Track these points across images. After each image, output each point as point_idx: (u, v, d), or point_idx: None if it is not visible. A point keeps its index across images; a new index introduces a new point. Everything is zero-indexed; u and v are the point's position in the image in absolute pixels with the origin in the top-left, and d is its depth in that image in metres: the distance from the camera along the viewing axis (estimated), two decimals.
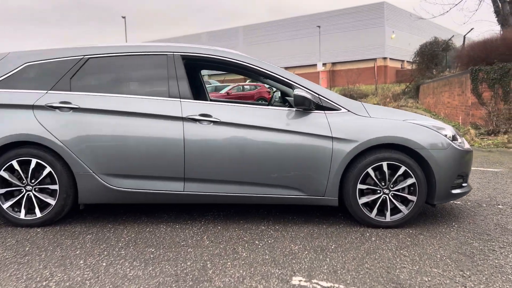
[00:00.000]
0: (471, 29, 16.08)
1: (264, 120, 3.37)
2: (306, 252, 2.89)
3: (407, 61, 31.00)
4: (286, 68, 40.86)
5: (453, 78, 12.89)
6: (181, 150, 3.33)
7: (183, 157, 3.34)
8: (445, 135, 3.44)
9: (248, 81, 26.19)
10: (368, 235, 3.24)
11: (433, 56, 20.83)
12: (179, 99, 3.40)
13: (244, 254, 2.85)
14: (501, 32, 13.54)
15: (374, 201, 3.41)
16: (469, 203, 4.22)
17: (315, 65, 38.11)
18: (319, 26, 41.73)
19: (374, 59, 38.32)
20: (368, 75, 36.40)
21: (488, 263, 2.71)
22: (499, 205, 4.15)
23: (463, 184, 3.61)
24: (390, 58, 40.93)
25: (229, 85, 25.08)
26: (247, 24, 49.76)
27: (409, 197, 3.39)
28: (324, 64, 39.25)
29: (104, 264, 2.69)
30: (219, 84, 28.30)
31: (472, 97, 10.61)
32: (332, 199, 3.41)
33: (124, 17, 37.24)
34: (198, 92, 4.64)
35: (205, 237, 3.17)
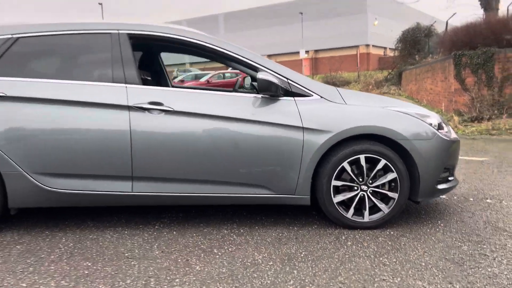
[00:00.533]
0: (454, 13, 15.76)
1: (226, 109, 2.92)
2: (271, 263, 2.47)
3: (390, 48, 30.76)
4: (268, 56, 40.37)
5: (436, 64, 12.59)
6: (127, 144, 2.86)
7: (129, 153, 2.87)
8: (430, 124, 3.04)
9: (230, 68, 25.60)
10: (344, 239, 2.84)
11: (415, 42, 20.56)
12: (124, 85, 2.92)
13: (198, 267, 2.42)
14: (484, 16, 13.26)
15: (350, 199, 3.01)
16: (455, 197, 3.86)
17: (298, 52, 37.65)
18: (301, 13, 41.17)
19: (357, 46, 38.04)
20: (351, 63, 36.12)
21: (480, 272, 2.33)
22: (487, 199, 3.80)
23: (450, 178, 3.24)
24: (373, 45, 40.72)
25: (209, 73, 24.47)
26: (228, 11, 48.86)
27: (390, 194, 2.99)
28: (307, 52, 38.79)
29: (24, 285, 2.22)
30: (199, 72, 27.65)
31: (455, 83, 10.31)
32: (304, 198, 2.99)
33: (100, 4, 36.07)
34: (158, 78, 4.16)
35: (155, 246, 2.73)
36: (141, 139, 2.87)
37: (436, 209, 3.50)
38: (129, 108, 2.86)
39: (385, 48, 40.49)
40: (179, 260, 2.50)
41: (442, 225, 3.10)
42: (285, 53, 42.58)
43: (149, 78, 3.86)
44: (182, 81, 23.99)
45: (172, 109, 2.87)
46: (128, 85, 2.92)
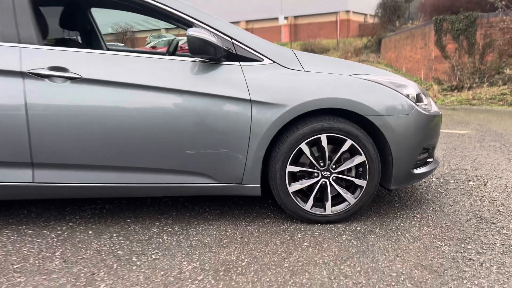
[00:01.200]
0: None
1: (155, 77, 2.29)
2: (201, 277, 1.92)
3: (370, 15, 29.98)
4: (246, 22, 39.14)
5: (416, 30, 12.02)
6: (23, 122, 2.22)
7: (26, 134, 2.23)
8: (407, 95, 2.48)
9: None
10: (300, 238, 2.31)
11: (395, 8, 19.91)
12: (17, 45, 2.25)
13: (103, 285, 1.85)
14: None
15: (310, 188, 2.47)
16: (434, 179, 3.37)
17: (277, 19, 36.43)
18: None
19: (337, 13, 37.06)
20: (330, 29, 35.22)
21: (465, 286, 1.84)
22: (469, 180, 3.32)
23: (428, 160, 2.72)
24: (353, 12, 39.72)
25: (182, 39, 23.35)
26: None
27: (357, 181, 2.46)
28: (286, 18, 37.58)
29: None
30: (175, 37, 26.43)
31: (435, 50, 9.79)
32: (253, 187, 2.43)
33: None
34: (89, 39, 3.45)
35: (59, 253, 2.14)
36: (40, 115, 2.22)
37: (412, 195, 3.00)
38: (22, 75, 2.20)
39: (365, 14, 39.58)
40: (82, 275, 1.93)
41: (418, 216, 2.60)
42: (263, 19, 41.25)
43: (73, 39, 3.18)
44: (154, 47, 22.88)
45: (80, 77, 2.22)
46: (22, 45, 2.24)
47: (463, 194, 2.99)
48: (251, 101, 2.31)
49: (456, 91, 8.94)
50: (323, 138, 2.37)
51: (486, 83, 8.81)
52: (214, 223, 2.51)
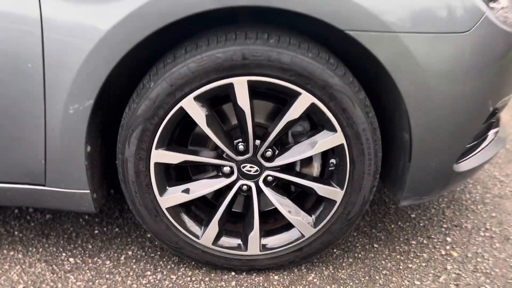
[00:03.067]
0: None
1: None
2: None
3: None
4: None
5: None
6: None
7: None
8: None
9: None
10: None
11: None
12: None
13: None
14: None
15: (216, 198, 1.09)
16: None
17: None
18: None
19: None
20: None
21: None
22: None
23: (490, 136, 1.26)
24: None
25: None
26: None
27: (322, 188, 1.06)
28: None
29: None
30: None
31: None
32: (65, 193, 1.05)
33: None
34: None
35: None
36: None
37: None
38: None
39: None
40: None
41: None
42: None
43: None
44: None
45: None
46: None
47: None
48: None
49: None
50: (240, 85, 0.93)
51: None
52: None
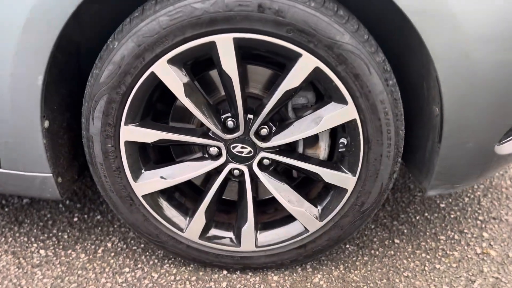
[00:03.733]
0: None
1: None
2: None
3: None
4: None
5: None
6: None
7: None
8: None
9: None
10: None
11: None
12: None
13: None
14: None
15: (205, 184, 0.92)
16: None
17: None
18: None
19: None
20: None
21: None
22: None
23: None
24: None
25: None
26: None
27: (329, 174, 0.86)
28: None
29: None
30: None
31: None
32: (23, 177, 0.89)
33: None
34: None
35: None
36: None
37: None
38: None
39: None
40: None
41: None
42: None
43: None
44: None
45: None
46: None
47: None
48: None
49: None
50: (225, 45, 0.73)
51: None
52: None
